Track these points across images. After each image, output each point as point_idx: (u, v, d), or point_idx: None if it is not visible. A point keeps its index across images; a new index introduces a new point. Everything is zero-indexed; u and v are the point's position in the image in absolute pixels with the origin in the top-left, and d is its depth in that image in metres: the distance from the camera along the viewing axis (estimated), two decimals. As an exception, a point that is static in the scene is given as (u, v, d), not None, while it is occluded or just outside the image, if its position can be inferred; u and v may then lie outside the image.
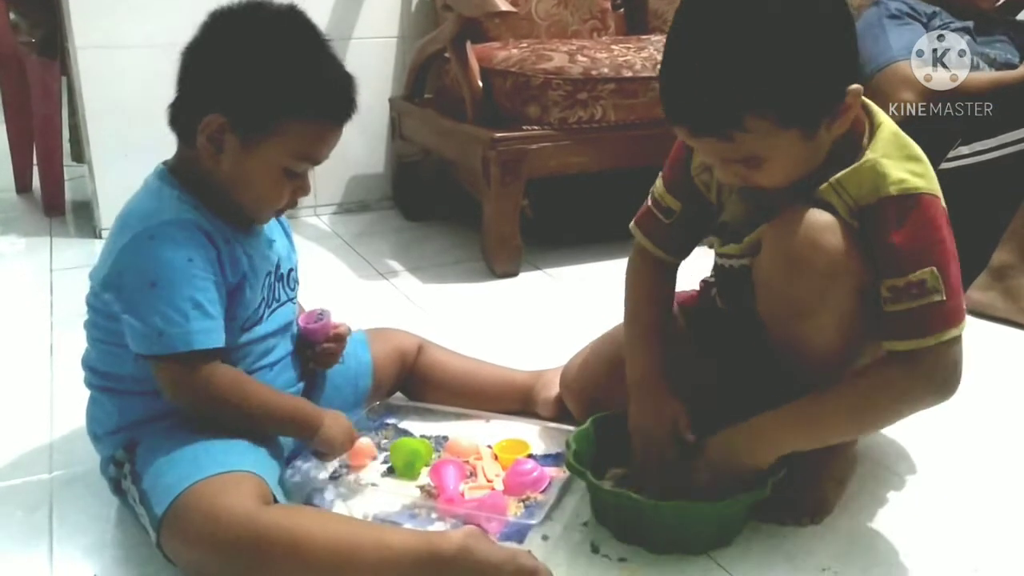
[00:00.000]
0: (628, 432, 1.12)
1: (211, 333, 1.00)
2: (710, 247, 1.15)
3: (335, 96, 1.05)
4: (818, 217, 0.97)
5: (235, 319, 1.05)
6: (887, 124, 1.01)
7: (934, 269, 0.94)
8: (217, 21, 1.04)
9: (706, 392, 1.15)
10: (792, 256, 0.97)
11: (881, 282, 0.96)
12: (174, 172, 1.07)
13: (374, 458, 1.20)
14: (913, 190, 0.96)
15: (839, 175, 0.98)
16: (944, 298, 0.94)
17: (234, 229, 1.06)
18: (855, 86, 0.94)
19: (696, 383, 1.14)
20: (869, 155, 0.97)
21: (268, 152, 1.02)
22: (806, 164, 0.98)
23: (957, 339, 0.96)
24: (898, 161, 0.97)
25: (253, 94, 1.01)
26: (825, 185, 0.98)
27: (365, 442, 1.19)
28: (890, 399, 0.99)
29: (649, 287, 1.18)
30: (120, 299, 1.01)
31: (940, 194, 0.98)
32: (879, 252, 0.97)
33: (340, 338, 1.20)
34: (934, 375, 0.97)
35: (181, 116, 1.05)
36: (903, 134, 1.02)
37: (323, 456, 1.13)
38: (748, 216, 1.08)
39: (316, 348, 1.19)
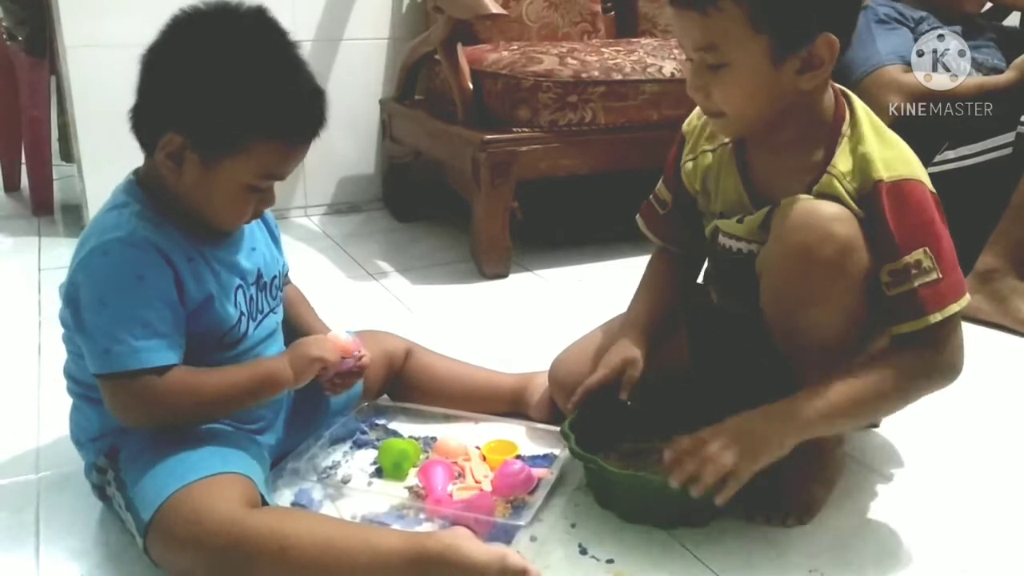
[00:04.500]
0: (623, 411, 1.18)
1: (159, 351, 0.96)
2: (711, 232, 1.16)
3: (303, 114, 1.00)
4: (827, 207, 0.99)
5: (209, 336, 1.02)
6: (864, 113, 1.05)
7: (926, 249, 0.98)
8: (179, 25, 0.98)
9: (686, 386, 1.19)
10: (803, 246, 0.99)
11: (881, 268, 0.99)
12: (142, 182, 1.04)
13: (358, 351, 1.15)
14: (898, 177, 0.99)
15: (837, 164, 1.01)
16: (940, 276, 0.98)
17: (201, 243, 1.03)
18: (830, 36, 0.97)
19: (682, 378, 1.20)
20: (858, 146, 1.01)
21: (231, 171, 0.98)
22: (764, 101, 1.01)
23: (958, 315, 1.00)
24: (882, 149, 1.01)
25: (216, 114, 0.95)
26: (826, 176, 1.01)
27: (344, 337, 1.15)
28: (904, 382, 1.01)
29: (655, 268, 1.26)
30: (74, 317, 0.98)
31: (923, 177, 1.01)
32: (876, 238, 0.99)
33: (362, 370, 1.17)
34: (942, 354, 1.00)
35: (142, 126, 1.01)
36: (879, 121, 1.06)
37: (325, 373, 1.10)
38: (742, 206, 1.10)
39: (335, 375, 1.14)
